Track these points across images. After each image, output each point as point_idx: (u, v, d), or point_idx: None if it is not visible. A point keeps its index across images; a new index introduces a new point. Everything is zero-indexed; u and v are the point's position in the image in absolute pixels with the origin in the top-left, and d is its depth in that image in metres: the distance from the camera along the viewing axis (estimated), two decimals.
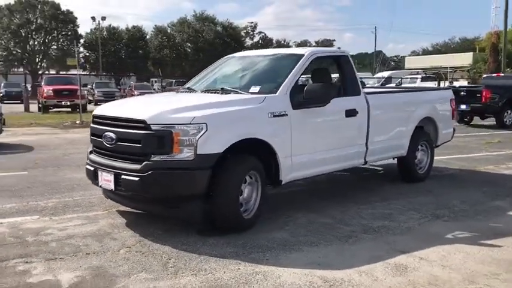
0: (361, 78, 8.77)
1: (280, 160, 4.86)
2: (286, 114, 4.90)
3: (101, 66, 61.23)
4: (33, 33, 58.69)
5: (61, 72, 60.92)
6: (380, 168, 7.96)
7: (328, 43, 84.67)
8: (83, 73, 65.48)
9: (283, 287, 3.41)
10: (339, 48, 6.86)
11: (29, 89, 29.92)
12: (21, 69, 58.26)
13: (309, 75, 5.86)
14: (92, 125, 5.04)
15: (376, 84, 25.75)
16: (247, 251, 4.12)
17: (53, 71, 62.07)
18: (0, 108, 11.17)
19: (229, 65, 6.22)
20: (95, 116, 5.04)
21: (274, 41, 77.89)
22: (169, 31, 71.09)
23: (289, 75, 5.13)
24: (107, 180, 4.58)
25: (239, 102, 4.78)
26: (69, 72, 64.11)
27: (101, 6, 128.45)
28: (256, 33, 78.26)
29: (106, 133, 4.62)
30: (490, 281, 3.55)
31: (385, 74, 40.14)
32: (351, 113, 5.64)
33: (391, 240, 4.45)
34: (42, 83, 24.50)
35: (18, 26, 56.28)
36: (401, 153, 6.65)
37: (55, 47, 62.73)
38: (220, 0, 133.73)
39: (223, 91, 5.21)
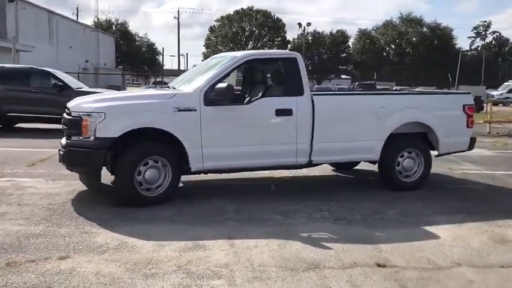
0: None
1: (187, 150, 5.55)
2: (195, 110, 5.54)
3: None
4: (247, 39, 65.55)
5: None
6: None
7: None
8: None
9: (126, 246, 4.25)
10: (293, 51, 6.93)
11: None
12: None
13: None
14: None
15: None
16: (117, 220, 4.99)
17: None
18: None
19: (200, 65, 7.01)
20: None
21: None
22: (373, 34, 70.77)
23: (208, 76, 5.75)
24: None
25: (150, 97, 5.69)
26: None
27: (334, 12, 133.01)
28: (489, 33, 72.12)
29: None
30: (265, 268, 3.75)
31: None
32: (283, 112, 5.87)
33: (246, 229, 4.75)
34: None
35: (233, 34, 63.62)
36: (370, 157, 6.41)
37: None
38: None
39: (166, 88, 6.10)
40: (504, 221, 5.26)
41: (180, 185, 6.72)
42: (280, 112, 5.86)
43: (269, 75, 6.48)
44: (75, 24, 46.02)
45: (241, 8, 65.18)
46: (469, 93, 7.17)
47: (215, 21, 66.88)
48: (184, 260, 3.91)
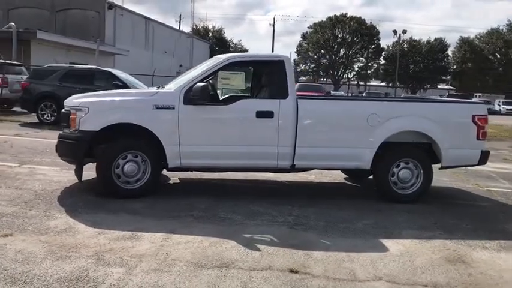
0: None
1: (165, 146, 5.76)
2: (173, 108, 5.74)
3: (397, 78, 62.58)
4: (338, 46, 64.85)
5: (360, 83, 65.57)
6: None
7: None
8: (380, 84, 68.50)
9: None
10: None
11: None
12: (323, 79, 65.51)
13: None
14: None
15: None
16: (85, 208, 5.31)
17: (355, 82, 67.05)
18: None
19: (197, 66, 7.15)
20: None
21: None
22: (476, 42, 66.46)
23: (190, 76, 5.92)
24: None
25: (133, 95, 5.99)
26: (370, 83, 68.42)
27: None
28: None
29: None
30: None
31: None
32: (264, 114, 5.86)
33: (196, 225, 4.83)
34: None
35: (325, 41, 63.25)
36: (359, 164, 6.15)
37: (359, 59, 67.55)
38: None
39: (159, 87, 6.37)
40: (484, 241, 4.80)
41: (177, 181, 7.03)
42: (260, 114, 5.86)
43: (253, 78, 6.49)
44: (171, 30, 48.71)
45: (334, 15, 64.69)
46: (481, 102, 6.59)
47: (308, 28, 67.11)
48: (107, 248, 4.10)
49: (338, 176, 7.81)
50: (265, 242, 4.47)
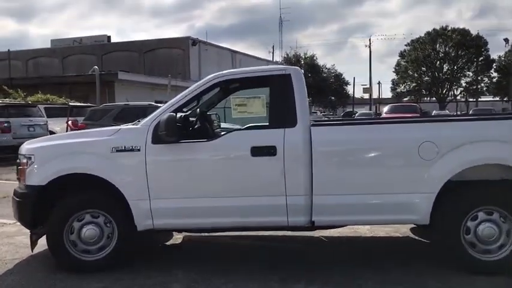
0: None
1: (129, 202, 4.24)
2: (138, 150, 4.22)
3: (511, 91, 56.34)
4: (441, 62, 60.08)
5: (470, 100, 59.88)
6: None
7: None
8: (489, 99, 62.03)
9: None
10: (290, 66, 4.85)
11: None
12: (426, 99, 60.92)
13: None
14: None
15: None
16: None
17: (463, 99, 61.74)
18: None
19: None
20: None
21: None
22: None
23: (163, 106, 4.38)
24: None
25: (90, 135, 4.56)
26: (481, 99, 62.18)
27: None
28: None
29: None
30: None
31: None
32: (262, 151, 4.11)
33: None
34: (385, 110, 25.39)
35: (425, 57, 58.87)
36: (411, 219, 4.12)
37: (467, 73, 62.03)
38: None
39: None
40: None
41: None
42: (257, 151, 4.12)
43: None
44: (258, 61, 48.32)
45: (434, 29, 60.04)
46: None
47: (405, 45, 63.06)
48: None
49: (402, 227, 5.69)
50: None
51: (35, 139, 4.93)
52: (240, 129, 4.38)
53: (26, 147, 4.59)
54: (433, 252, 4.72)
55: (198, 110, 4.71)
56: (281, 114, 4.23)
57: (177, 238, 5.47)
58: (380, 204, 4.09)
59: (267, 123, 4.33)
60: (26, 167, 4.36)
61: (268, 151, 4.10)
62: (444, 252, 4.20)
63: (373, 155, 4.15)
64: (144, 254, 4.87)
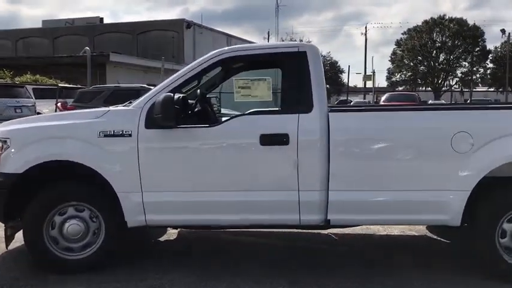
0: None
1: (118, 194, 3.71)
2: (129, 135, 3.68)
3: (507, 82, 56.06)
4: (437, 51, 59.59)
5: (465, 90, 59.62)
6: None
7: None
8: (484, 90, 61.88)
9: None
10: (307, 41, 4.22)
11: None
12: (421, 88, 60.52)
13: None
14: None
15: None
16: None
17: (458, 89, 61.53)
18: None
19: None
20: None
21: None
22: None
23: (161, 84, 3.83)
24: None
25: (74, 117, 4.00)
26: (476, 90, 61.95)
27: None
28: None
29: None
30: None
31: None
32: (273, 139, 3.59)
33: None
34: (382, 99, 24.88)
35: (421, 46, 58.31)
36: (440, 219, 3.62)
37: (462, 63, 61.69)
38: None
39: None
40: None
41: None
42: (267, 139, 3.60)
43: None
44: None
45: (431, 18, 59.35)
46: None
47: (402, 34, 62.35)
48: None
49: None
50: None
51: (11, 120, 4.34)
52: (244, 114, 3.82)
53: (1, 129, 4.02)
54: (457, 254, 4.26)
55: (198, 91, 4.15)
56: (294, 97, 3.70)
57: (172, 233, 4.97)
58: (405, 203, 3.59)
59: (276, 108, 3.80)
60: (0, 152, 3.80)
61: (280, 140, 3.58)
62: (474, 258, 3.72)
63: (398, 146, 3.63)
64: (135, 253, 4.36)
